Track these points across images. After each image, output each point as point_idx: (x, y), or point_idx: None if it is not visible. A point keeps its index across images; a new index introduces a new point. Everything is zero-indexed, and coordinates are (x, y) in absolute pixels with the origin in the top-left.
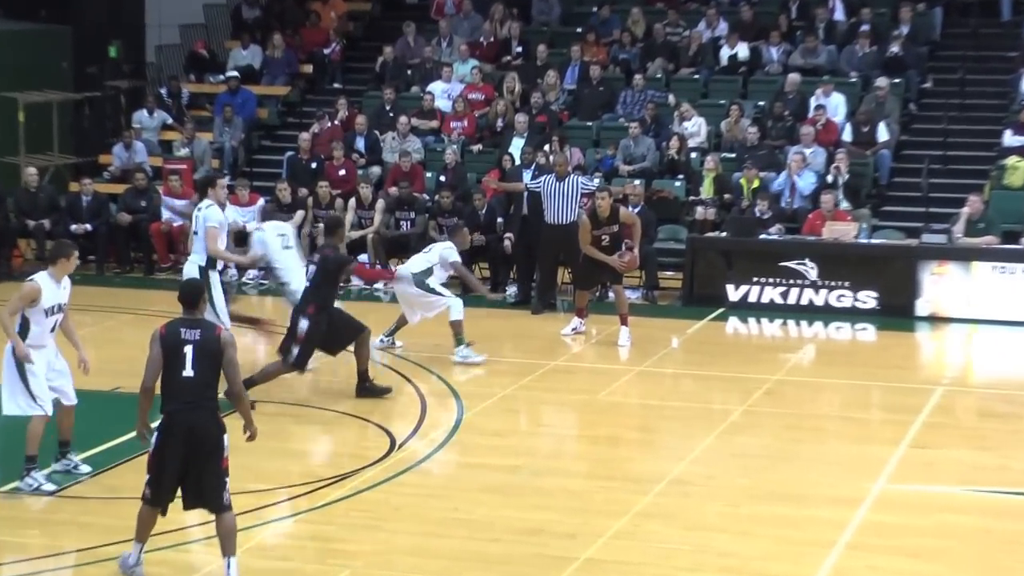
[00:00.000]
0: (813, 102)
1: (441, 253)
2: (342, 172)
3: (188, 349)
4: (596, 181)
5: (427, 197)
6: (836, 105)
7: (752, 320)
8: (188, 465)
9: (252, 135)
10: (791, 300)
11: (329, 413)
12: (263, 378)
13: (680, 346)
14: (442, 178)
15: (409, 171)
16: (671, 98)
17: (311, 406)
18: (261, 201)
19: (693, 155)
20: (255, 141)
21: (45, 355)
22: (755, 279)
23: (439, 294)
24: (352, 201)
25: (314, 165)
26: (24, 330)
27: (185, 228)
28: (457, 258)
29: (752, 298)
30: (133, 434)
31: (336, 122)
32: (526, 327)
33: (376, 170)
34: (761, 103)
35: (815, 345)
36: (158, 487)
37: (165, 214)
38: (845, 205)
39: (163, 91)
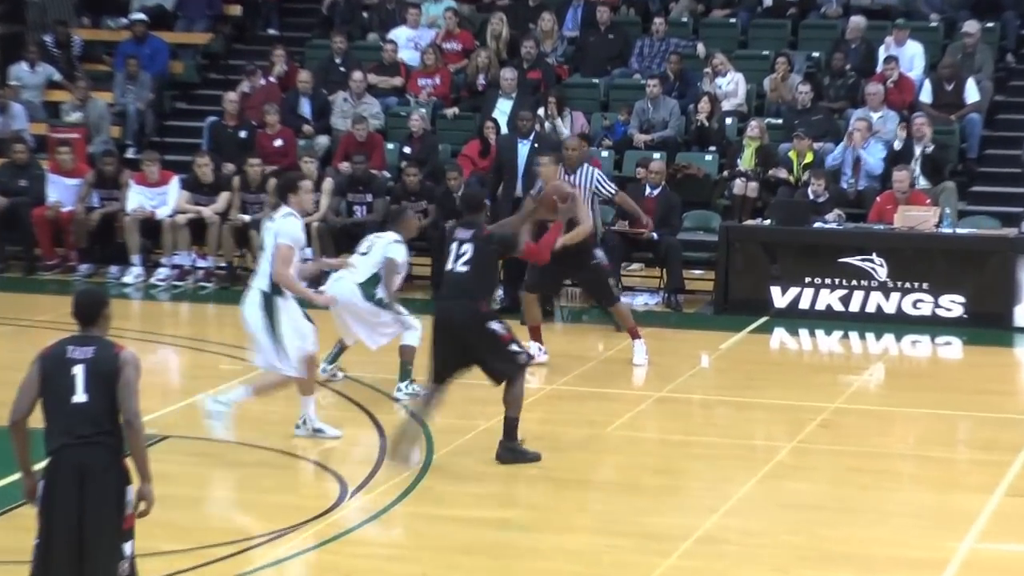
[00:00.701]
0: (882, 53)
1: (385, 253)
2: (279, 143)
3: (78, 369)
4: (611, 188)
5: (388, 175)
6: (912, 57)
7: (803, 332)
8: (82, 519)
9: (163, 95)
10: (854, 307)
11: (263, 452)
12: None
13: (712, 365)
14: (407, 150)
15: (365, 142)
16: (700, 48)
17: (241, 443)
18: (175, 180)
19: (728, 121)
20: (167, 103)
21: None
22: (807, 280)
23: (396, 311)
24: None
25: (243, 134)
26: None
27: (76, 214)
28: (404, 258)
29: (803, 304)
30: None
31: (271, 79)
32: None
33: (323, 140)
34: (816, 54)
35: (885, 364)
36: (47, 552)
37: (51, 196)
38: (923, 184)
39: (48, 39)
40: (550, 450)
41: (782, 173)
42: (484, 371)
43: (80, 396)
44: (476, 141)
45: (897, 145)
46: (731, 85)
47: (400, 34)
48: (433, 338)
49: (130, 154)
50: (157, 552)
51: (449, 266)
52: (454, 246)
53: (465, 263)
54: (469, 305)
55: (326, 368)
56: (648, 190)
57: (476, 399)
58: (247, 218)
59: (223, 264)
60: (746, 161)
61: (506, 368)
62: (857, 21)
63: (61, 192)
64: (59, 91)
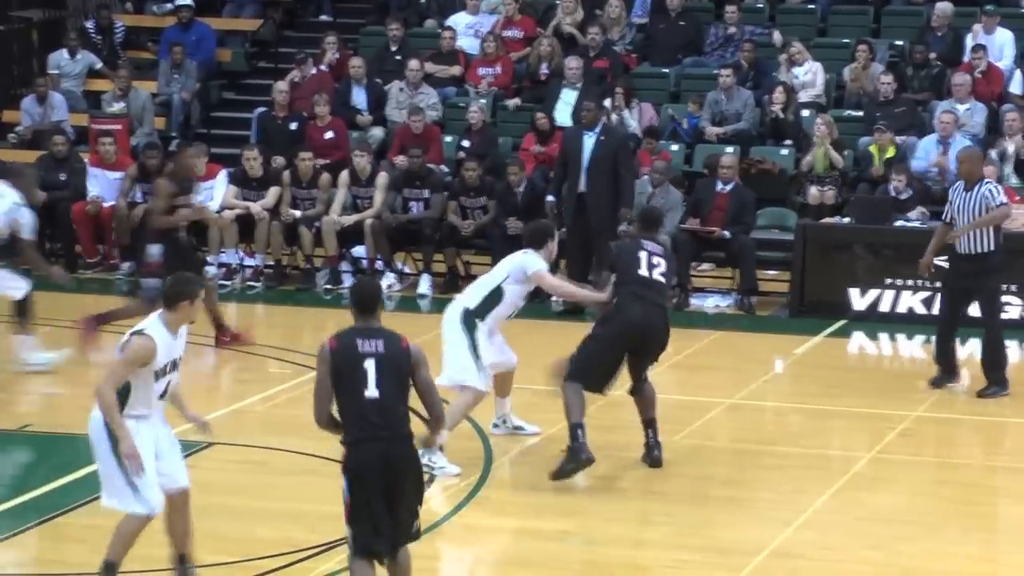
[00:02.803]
0: (970, 41)
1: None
2: (330, 135)
3: (370, 364)
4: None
5: (446, 169)
6: (1001, 45)
7: (884, 336)
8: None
9: (210, 85)
10: (936, 310)
11: (313, 460)
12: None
13: (786, 371)
14: (466, 143)
15: (422, 134)
16: (776, 36)
17: (290, 451)
18: (222, 174)
19: (805, 113)
20: (214, 93)
21: (151, 429)
22: (888, 281)
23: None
24: (344, 174)
25: (293, 126)
26: (122, 398)
27: (118, 210)
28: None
29: (884, 307)
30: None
31: (323, 67)
32: (575, 345)
33: (378, 132)
34: (899, 43)
35: (970, 371)
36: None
37: (92, 190)
38: (1015, 182)
39: (89, 25)
40: (615, 459)
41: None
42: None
43: (372, 392)
44: (530, 135)
45: (988, 141)
46: (809, 75)
47: (459, 20)
48: (614, 335)
49: (174, 147)
50: (203, 564)
51: (644, 272)
52: (643, 255)
53: (662, 274)
54: (662, 312)
55: None
56: (720, 186)
57: (534, 406)
58: (297, 214)
59: (271, 262)
60: (818, 163)
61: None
62: (943, 7)
63: (102, 186)
64: (100, 80)
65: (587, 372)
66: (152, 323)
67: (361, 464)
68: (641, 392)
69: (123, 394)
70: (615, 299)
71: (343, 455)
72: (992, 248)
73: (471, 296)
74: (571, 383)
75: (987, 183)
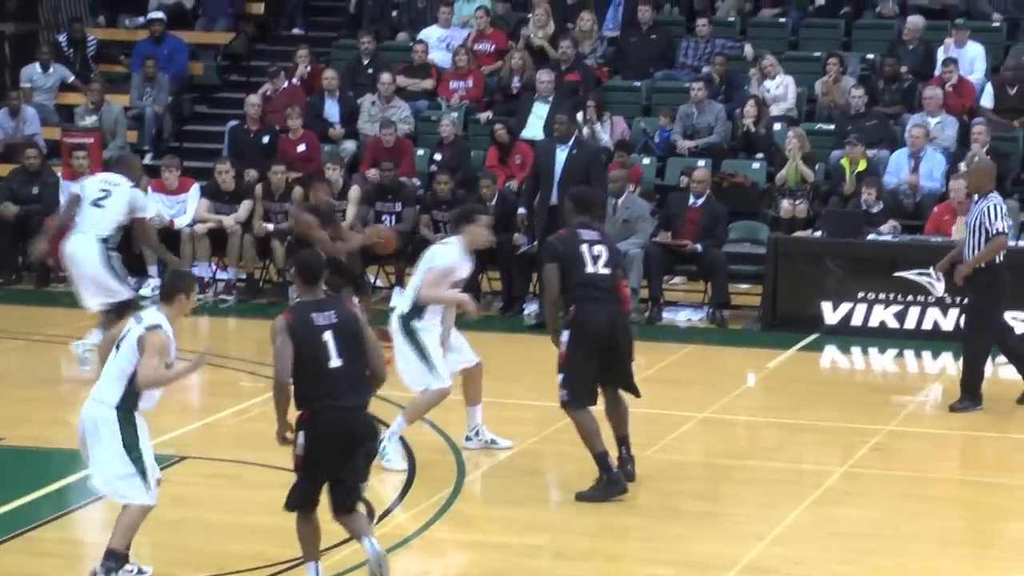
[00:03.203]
0: (941, 55)
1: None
2: (302, 148)
3: (328, 335)
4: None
5: (418, 183)
6: (972, 59)
7: (856, 350)
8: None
9: (182, 98)
10: (909, 323)
11: (286, 474)
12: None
13: (758, 385)
14: (438, 156)
15: (394, 147)
16: (748, 49)
17: (262, 464)
18: (195, 187)
19: (777, 126)
20: (186, 106)
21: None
22: (860, 295)
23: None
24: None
25: (266, 139)
26: (132, 396)
27: None
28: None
29: (856, 320)
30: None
31: (295, 81)
32: (549, 359)
33: (350, 146)
34: (870, 56)
35: (942, 384)
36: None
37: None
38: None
39: (62, 38)
40: (587, 473)
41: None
42: (622, 381)
43: (335, 362)
44: (493, 149)
45: (958, 155)
46: (780, 88)
47: (431, 34)
48: (585, 347)
49: (147, 160)
50: None
51: (590, 269)
52: (584, 248)
53: (605, 265)
54: (621, 309)
55: None
56: (692, 199)
57: (507, 419)
58: (270, 227)
59: (244, 276)
60: (790, 177)
61: (632, 380)
62: (915, 21)
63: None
64: (73, 93)
65: (582, 393)
66: (159, 318)
67: (320, 430)
68: (616, 409)
69: (132, 391)
70: (572, 307)
71: (301, 415)
72: (983, 265)
73: (403, 300)
74: (578, 410)
75: (990, 199)
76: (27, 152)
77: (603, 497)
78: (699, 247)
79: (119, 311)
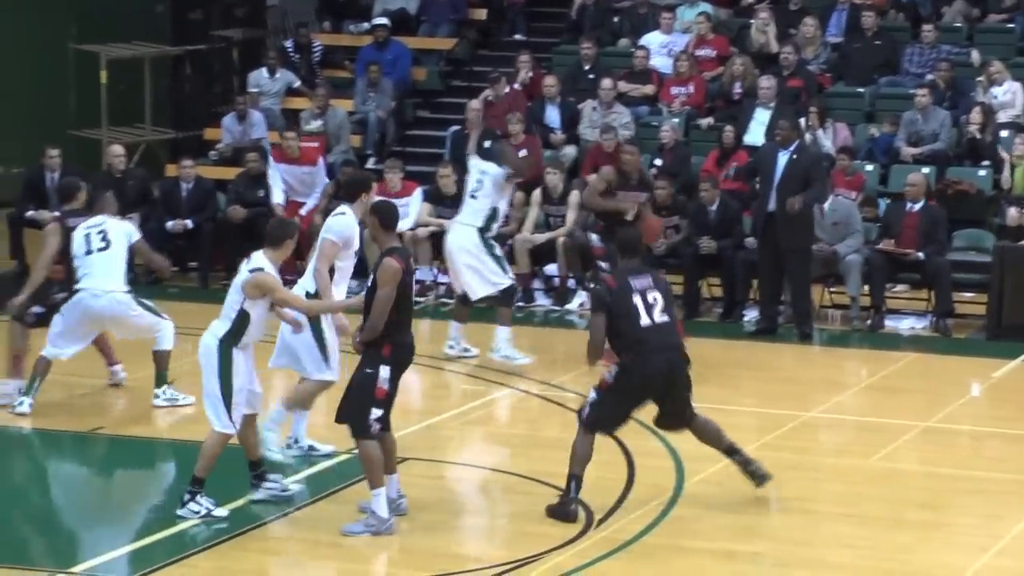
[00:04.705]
0: None
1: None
2: (523, 153)
3: (654, 297)
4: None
5: None
6: None
7: None
8: None
9: (405, 103)
10: None
11: (507, 476)
12: None
13: (983, 394)
14: (658, 162)
15: (614, 152)
16: (975, 55)
17: (483, 467)
18: (418, 191)
19: (1004, 134)
20: (409, 111)
21: (248, 359)
22: None
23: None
24: (537, 193)
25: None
26: (238, 327)
27: (313, 225)
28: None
29: None
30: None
31: (517, 86)
32: (769, 365)
33: (570, 151)
34: None
35: None
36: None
37: (277, 192)
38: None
39: (288, 44)
40: (807, 481)
41: None
42: (678, 421)
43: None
44: (714, 153)
45: None
46: (1008, 95)
47: (652, 40)
48: (633, 392)
49: (370, 164)
50: None
51: (645, 321)
52: (637, 299)
53: (663, 311)
54: (679, 356)
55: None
56: (909, 205)
57: (726, 425)
58: None
59: None
60: (1018, 184)
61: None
62: None
63: (291, 179)
64: (299, 98)
65: (603, 423)
66: (263, 261)
67: (401, 361)
68: (705, 429)
69: (239, 324)
70: (627, 357)
71: (384, 350)
72: None
73: (307, 281)
74: (587, 435)
75: None
76: (248, 156)
77: (557, 516)
78: (921, 255)
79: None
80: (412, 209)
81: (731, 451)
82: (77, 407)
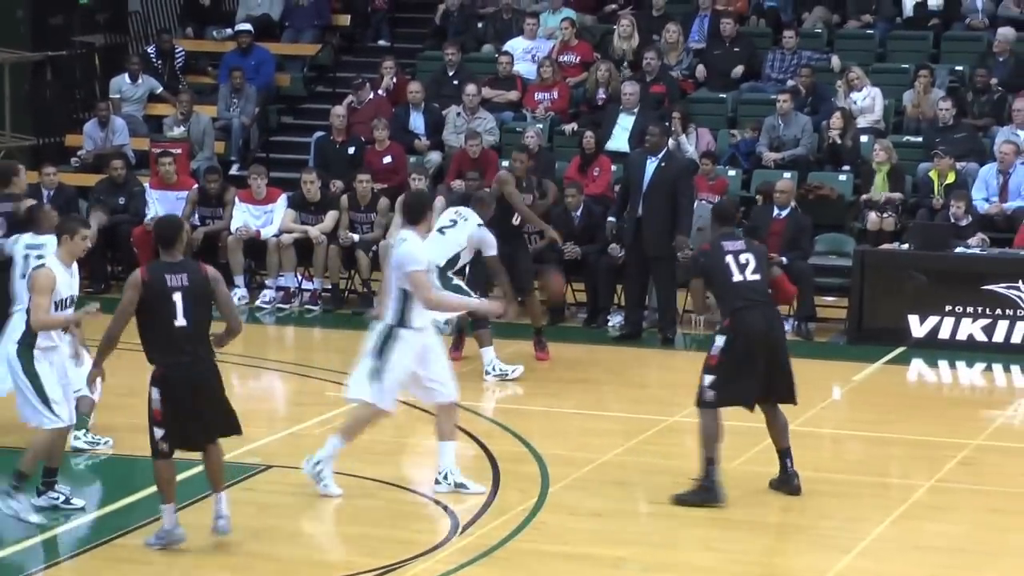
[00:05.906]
0: None
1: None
2: (388, 159)
3: (177, 296)
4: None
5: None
6: None
7: (944, 364)
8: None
9: (269, 109)
10: (998, 337)
11: (370, 483)
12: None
13: (844, 398)
14: None
15: (479, 158)
16: (835, 61)
17: (348, 474)
18: (282, 198)
19: (864, 139)
20: (273, 117)
21: (59, 357)
22: (948, 308)
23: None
24: (401, 199)
25: (351, 150)
26: (32, 331)
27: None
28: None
29: (944, 334)
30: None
31: (381, 92)
32: (634, 370)
33: (435, 157)
34: (959, 68)
35: None
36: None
37: (151, 212)
38: None
39: (151, 50)
40: (671, 486)
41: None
42: (785, 389)
43: (180, 321)
44: (576, 159)
45: None
46: (867, 100)
47: (516, 45)
48: (743, 351)
49: (234, 171)
50: None
51: (738, 278)
52: (730, 259)
53: (755, 271)
54: (776, 312)
55: None
56: (776, 211)
57: (592, 430)
58: (356, 238)
59: (329, 286)
60: (878, 187)
61: (793, 389)
62: (1005, 33)
63: (165, 207)
64: (161, 104)
65: (733, 394)
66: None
67: (170, 380)
68: (776, 421)
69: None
70: (728, 317)
71: (155, 372)
72: None
73: None
74: (711, 412)
75: None
76: (112, 163)
77: (698, 502)
78: (784, 259)
79: None
80: (276, 216)
81: (784, 454)
82: None
